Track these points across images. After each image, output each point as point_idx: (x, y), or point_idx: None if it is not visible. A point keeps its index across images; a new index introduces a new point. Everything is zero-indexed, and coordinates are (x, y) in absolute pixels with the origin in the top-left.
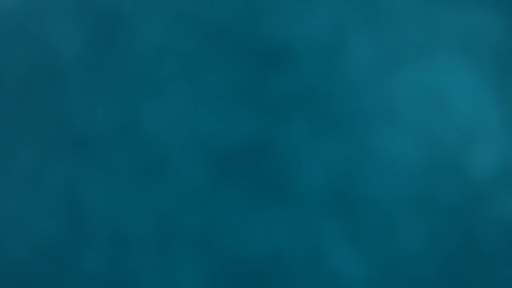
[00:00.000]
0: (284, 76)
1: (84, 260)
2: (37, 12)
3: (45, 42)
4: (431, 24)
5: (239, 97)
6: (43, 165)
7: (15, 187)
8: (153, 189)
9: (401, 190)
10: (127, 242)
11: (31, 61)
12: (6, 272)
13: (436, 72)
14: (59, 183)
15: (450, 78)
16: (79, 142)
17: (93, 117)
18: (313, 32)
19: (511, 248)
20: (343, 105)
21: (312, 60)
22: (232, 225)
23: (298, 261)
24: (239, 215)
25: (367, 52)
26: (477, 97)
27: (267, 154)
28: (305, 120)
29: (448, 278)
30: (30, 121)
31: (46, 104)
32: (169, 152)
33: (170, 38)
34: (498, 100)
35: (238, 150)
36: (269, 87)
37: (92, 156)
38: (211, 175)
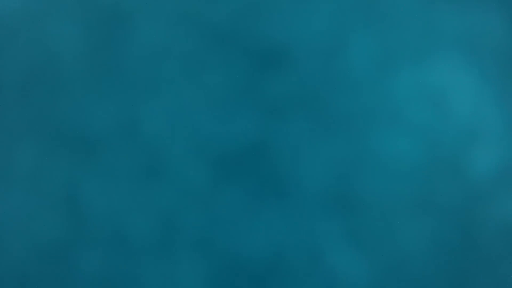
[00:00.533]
0: (284, 76)
1: (84, 260)
2: (37, 14)
3: (45, 44)
4: (431, 24)
5: (239, 97)
6: (43, 165)
7: (15, 187)
8: (153, 189)
9: (401, 190)
10: (127, 242)
11: (32, 62)
12: (6, 272)
13: (436, 72)
14: (59, 183)
15: (450, 78)
16: (79, 142)
17: (93, 118)
18: (313, 33)
19: (511, 248)
20: (343, 105)
21: (312, 60)
22: (232, 225)
23: (297, 261)
24: (239, 215)
25: (367, 52)
26: (477, 97)
27: (267, 154)
28: (305, 120)
29: (448, 277)
30: (30, 122)
31: (46, 104)
32: (169, 152)
33: (170, 39)
34: (498, 100)
35: (238, 150)
36: (269, 87)
37: (92, 156)
38: (211, 175)
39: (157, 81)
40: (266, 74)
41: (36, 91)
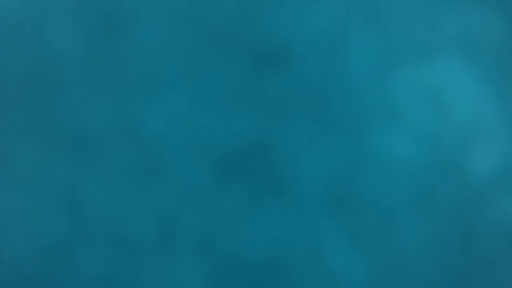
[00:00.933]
0: (284, 76)
1: (84, 260)
2: (37, 13)
3: (45, 43)
4: (432, 24)
5: (239, 97)
6: (43, 165)
7: (15, 187)
8: (153, 189)
9: (401, 190)
10: (127, 242)
11: (31, 62)
12: (6, 272)
13: (436, 72)
14: (59, 183)
15: (450, 78)
16: (79, 142)
17: (93, 117)
18: (313, 32)
19: (511, 248)
20: (343, 105)
21: (312, 60)
22: (232, 225)
23: (298, 261)
24: (239, 215)
25: (367, 52)
26: (477, 97)
27: (267, 154)
28: (305, 120)
29: (448, 278)
30: (30, 122)
31: (46, 104)
32: (169, 152)
33: (170, 38)
34: (498, 100)
35: (238, 150)
36: (269, 87)
37: (92, 156)
38: (211, 175)
39: (157, 81)
40: (266, 74)
41: (36, 91)
